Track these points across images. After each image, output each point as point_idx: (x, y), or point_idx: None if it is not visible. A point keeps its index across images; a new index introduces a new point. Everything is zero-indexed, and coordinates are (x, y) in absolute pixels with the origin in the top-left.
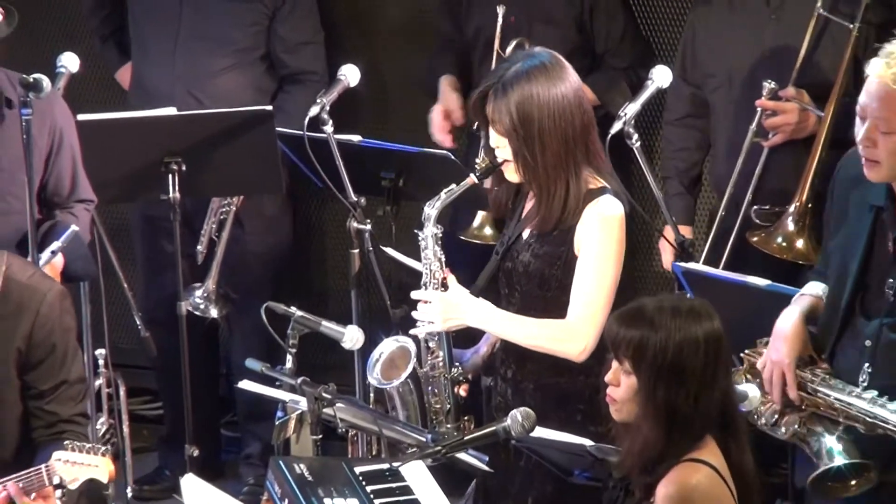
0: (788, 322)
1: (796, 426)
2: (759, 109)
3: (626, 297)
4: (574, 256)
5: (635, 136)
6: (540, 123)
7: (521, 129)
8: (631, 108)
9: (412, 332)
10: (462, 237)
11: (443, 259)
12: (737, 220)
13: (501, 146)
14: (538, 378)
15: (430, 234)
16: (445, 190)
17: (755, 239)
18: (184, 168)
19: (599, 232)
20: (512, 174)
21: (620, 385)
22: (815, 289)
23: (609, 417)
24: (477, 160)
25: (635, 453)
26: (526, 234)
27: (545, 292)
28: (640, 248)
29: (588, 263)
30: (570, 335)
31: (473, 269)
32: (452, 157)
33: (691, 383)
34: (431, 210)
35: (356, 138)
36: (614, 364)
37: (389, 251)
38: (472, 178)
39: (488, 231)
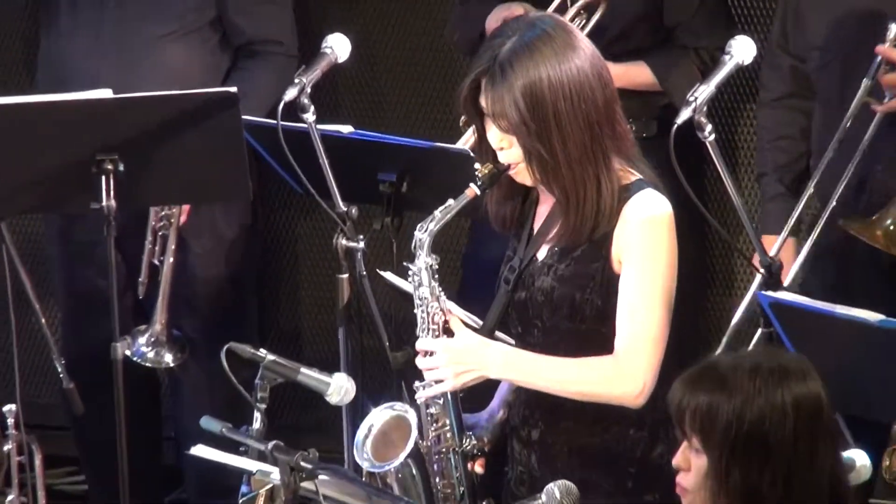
0: None
1: None
2: (877, 59)
3: (702, 336)
4: (613, 273)
5: (709, 128)
6: (555, 109)
7: (533, 120)
8: (703, 92)
9: (418, 396)
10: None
11: (442, 297)
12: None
13: (506, 146)
14: (574, 437)
15: (423, 265)
16: (440, 208)
17: (854, 226)
18: (121, 168)
19: (644, 238)
20: (525, 177)
21: (690, 469)
22: None
23: (667, 481)
24: (476, 165)
25: None
26: (543, 253)
27: (578, 324)
28: (717, 276)
29: (634, 280)
30: (623, 373)
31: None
32: (471, 154)
33: (779, 463)
34: (424, 235)
35: (346, 129)
36: (683, 443)
37: (388, 276)
38: (472, 190)
39: None
